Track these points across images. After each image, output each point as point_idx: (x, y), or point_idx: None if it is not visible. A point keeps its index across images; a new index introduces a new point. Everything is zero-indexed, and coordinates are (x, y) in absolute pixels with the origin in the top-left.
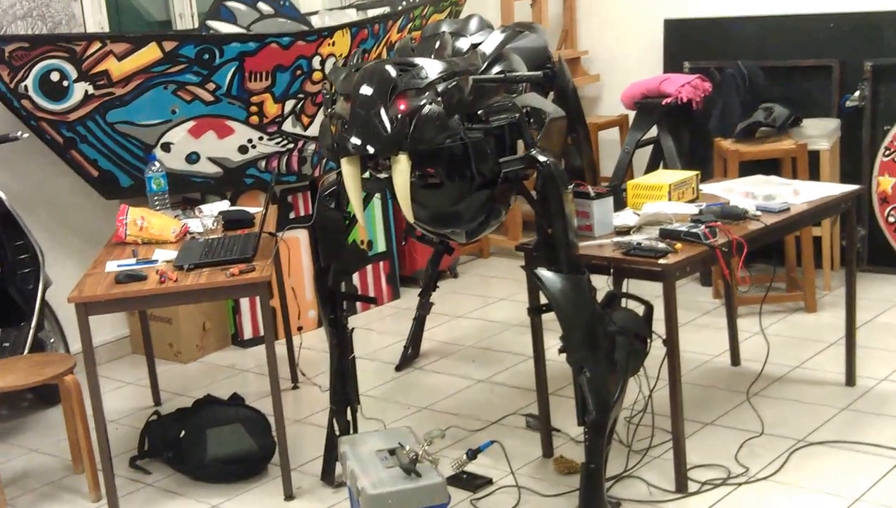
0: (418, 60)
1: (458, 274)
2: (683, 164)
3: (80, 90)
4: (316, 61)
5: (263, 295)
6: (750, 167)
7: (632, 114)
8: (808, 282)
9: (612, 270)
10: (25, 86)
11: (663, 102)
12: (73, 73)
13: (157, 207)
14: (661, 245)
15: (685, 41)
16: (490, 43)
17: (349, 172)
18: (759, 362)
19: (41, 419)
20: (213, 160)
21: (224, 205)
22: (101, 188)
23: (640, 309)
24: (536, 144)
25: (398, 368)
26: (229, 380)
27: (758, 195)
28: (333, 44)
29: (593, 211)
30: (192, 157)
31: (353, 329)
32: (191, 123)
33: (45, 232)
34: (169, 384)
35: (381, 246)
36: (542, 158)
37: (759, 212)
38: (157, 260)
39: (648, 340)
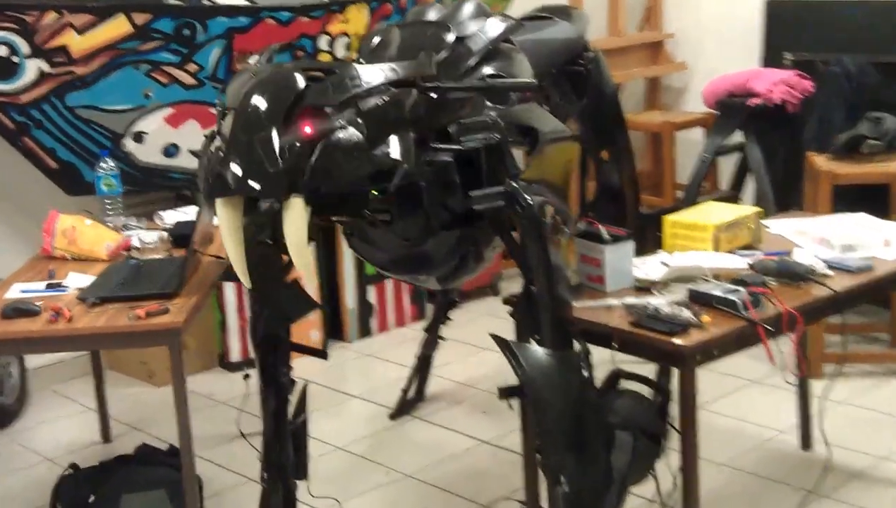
0: (342, 65)
1: (500, 292)
2: (773, 180)
3: (33, 68)
4: (323, 41)
5: (174, 346)
6: (849, 193)
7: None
8: None
9: (614, 344)
10: None
11: (750, 103)
12: (25, 48)
13: (109, 213)
14: (686, 313)
15: (789, 27)
16: (482, 36)
17: (227, 218)
18: (838, 445)
19: None
20: (195, 154)
21: (186, 213)
22: (61, 182)
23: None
24: (521, 175)
25: (393, 416)
26: (200, 414)
27: (835, 244)
28: (346, 20)
29: (606, 259)
30: (171, 150)
31: (305, 384)
32: (168, 110)
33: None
34: (130, 413)
35: None
36: (523, 195)
37: (829, 271)
38: (67, 288)
39: (662, 439)
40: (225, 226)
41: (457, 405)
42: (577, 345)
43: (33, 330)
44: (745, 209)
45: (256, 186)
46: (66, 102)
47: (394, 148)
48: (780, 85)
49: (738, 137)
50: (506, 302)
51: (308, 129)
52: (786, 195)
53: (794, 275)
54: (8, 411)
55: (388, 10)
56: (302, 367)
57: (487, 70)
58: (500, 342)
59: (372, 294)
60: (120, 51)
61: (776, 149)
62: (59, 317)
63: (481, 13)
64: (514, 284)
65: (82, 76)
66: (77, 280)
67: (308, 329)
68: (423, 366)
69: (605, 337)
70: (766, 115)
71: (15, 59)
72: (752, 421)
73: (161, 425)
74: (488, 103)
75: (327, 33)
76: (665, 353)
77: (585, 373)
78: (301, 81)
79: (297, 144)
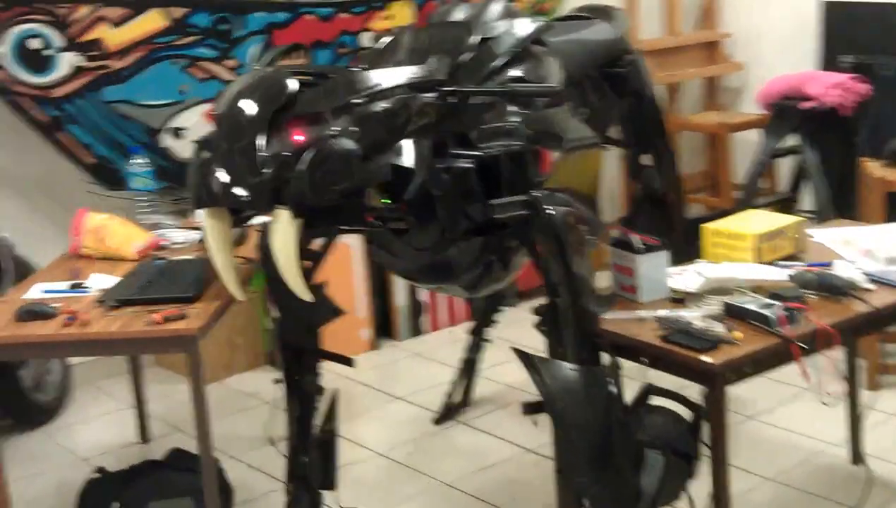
0: (340, 70)
1: None
2: (830, 185)
3: (67, 61)
4: (365, 38)
5: (191, 353)
6: None
7: None
8: None
9: (643, 359)
10: None
11: (804, 106)
12: (58, 41)
13: (144, 211)
14: (719, 328)
15: (846, 29)
16: (507, 38)
17: (213, 228)
18: (888, 460)
19: (15, 446)
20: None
21: None
22: (99, 177)
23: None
24: (543, 183)
25: (437, 420)
26: (244, 415)
27: (880, 256)
28: (390, 17)
29: (639, 269)
30: None
31: (336, 391)
32: (207, 106)
33: (46, 219)
34: (175, 413)
35: None
36: (543, 204)
37: (870, 286)
38: (89, 289)
39: (694, 459)
40: (210, 236)
41: (504, 409)
42: (607, 359)
43: (45, 334)
44: (788, 218)
45: (239, 197)
46: (101, 97)
47: (406, 156)
48: (835, 88)
49: (794, 140)
50: (536, 312)
51: (299, 137)
52: (843, 200)
53: (834, 289)
54: (47, 408)
55: (434, 6)
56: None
57: (515, 73)
58: (522, 356)
59: (423, 292)
60: (156, 45)
61: (832, 153)
62: (74, 321)
63: (509, 14)
64: None
65: (118, 70)
66: (100, 281)
67: (358, 327)
68: (467, 370)
69: (634, 350)
70: (821, 119)
71: (48, 51)
72: (804, 433)
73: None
74: (513, 108)
75: (369, 30)
76: (694, 371)
77: (613, 389)
78: (292, 87)
79: (285, 153)
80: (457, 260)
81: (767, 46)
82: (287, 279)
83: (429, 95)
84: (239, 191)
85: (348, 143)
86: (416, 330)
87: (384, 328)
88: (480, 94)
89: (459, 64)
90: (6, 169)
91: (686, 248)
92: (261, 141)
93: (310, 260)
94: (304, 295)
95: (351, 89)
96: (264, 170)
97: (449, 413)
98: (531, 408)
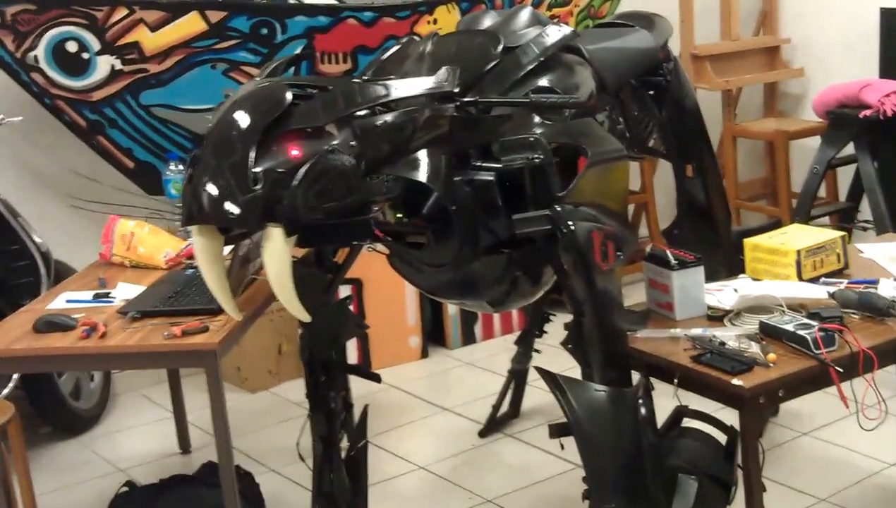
0: (339, 82)
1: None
2: (887, 196)
3: (104, 64)
4: None
5: (210, 368)
6: None
7: None
8: None
9: (675, 380)
10: (35, 56)
11: (861, 115)
12: (95, 45)
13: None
14: (753, 348)
15: None
16: (533, 46)
17: (203, 246)
18: None
19: (52, 455)
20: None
21: None
22: (139, 181)
23: None
24: (566, 198)
25: (483, 433)
26: (288, 424)
27: None
28: (435, 21)
29: (674, 285)
30: None
31: (366, 406)
32: None
33: (85, 223)
34: None
35: None
36: (564, 219)
37: None
38: (113, 299)
39: (731, 486)
40: (200, 254)
41: (554, 421)
42: (638, 379)
43: (61, 346)
44: (832, 233)
45: (229, 214)
46: (140, 101)
47: (420, 169)
48: (893, 96)
49: (851, 149)
50: (566, 327)
51: (294, 152)
52: None
53: (874, 309)
54: (86, 416)
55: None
56: (398, 375)
57: (542, 82)
58: (546, 375)
59: None
60: (195, 49)
61: (890, 164)
62: (93, 333)
63: (536, 22)
64: (635, 291)
65: (156, 74)
66: (125, 291)
67: (407, 334)
68: (516, 381)
69: (666, 371)
70: (879, 128)
71: (85, 55)
72: (861, 452)
73: (247, 436)
74: (537, 119)
75: (416, 35)
76: (725, 394)
77: (643, 411)
78: (287, 99)
79: (278, 169)
80: (481, 276)
81: (828, 53)
82: (281, 299)
83: (447, 106)
84: (229, 207)
85: (346, 159)
86: (468, 339)
87: (436, 336)
88: (501, 105)
89: (484, 73)
90: (45, 172)
91: (736, 261)
92: (252, 155)
93: (330, 272)
94: (301, 315)
95: (351, 101)
96: (256, 187)
97: (495, 425)
98: (558, 430)
